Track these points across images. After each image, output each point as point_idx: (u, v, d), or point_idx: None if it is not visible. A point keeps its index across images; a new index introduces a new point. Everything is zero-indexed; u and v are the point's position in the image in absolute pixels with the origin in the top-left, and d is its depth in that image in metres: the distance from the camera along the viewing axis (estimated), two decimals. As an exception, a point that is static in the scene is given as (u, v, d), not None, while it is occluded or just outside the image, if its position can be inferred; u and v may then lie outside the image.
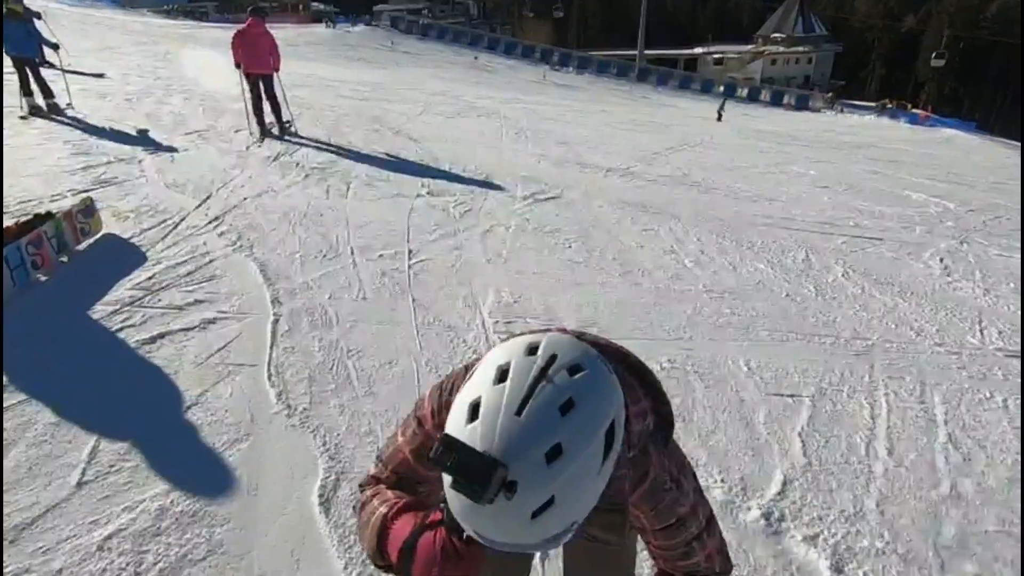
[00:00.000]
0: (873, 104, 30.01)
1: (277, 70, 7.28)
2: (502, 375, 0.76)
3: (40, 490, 2.25)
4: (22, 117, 7.13)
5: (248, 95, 7.34)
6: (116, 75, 10.96)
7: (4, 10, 6.92)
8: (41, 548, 2.03)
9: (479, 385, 0.77)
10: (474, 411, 0.74)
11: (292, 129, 7.58)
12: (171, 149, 6.48)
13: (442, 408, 0.99)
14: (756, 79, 39.78)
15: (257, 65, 7.11)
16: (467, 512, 0.73)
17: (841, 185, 7.86)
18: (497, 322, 3.63)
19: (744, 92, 28.44)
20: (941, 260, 5.09)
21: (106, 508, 2.20)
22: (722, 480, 2.50)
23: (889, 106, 27.18)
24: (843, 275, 4.62)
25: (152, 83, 10.43)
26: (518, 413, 0.71)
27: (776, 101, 27.49)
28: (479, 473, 0.68)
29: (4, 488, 2.26)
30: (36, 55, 7.28)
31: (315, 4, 45.10)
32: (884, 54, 51.48)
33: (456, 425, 0.75)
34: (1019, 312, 4.15)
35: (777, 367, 3.33)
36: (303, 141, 7.29)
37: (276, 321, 3.44)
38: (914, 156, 12.90)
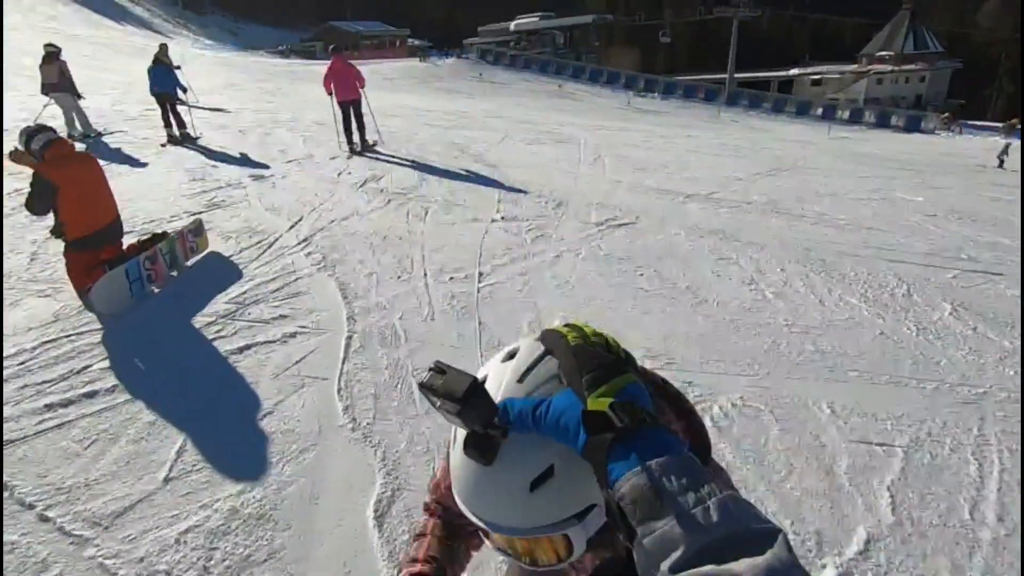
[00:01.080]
0: (999, 124, 27.08)
1: (360, 95, 8.42)
2: (510, 355, 0.78)
3: (133, 482, 2.49)
4: (162, 145, 8.31)
5: (339, 118, 8.47)
6: (233, 109, 12.21)
7: (154, 59, 8.71)
8: (129, 536, 2.24)
9: (489, 365, 0.79)
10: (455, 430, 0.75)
11: (376, 147, 8.63)
12: (273, 176, 7.08)
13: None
14: (860, 100, 37.29)
15: (343, 93, 8.31)
16: (468, 483, 0.73)
17: (955, 213, 7.12)
18: (561, 348, 3.59)
19: (845, 114, 26.72)
20: (1077, 300, 4.45)
21: (186, 504, 2.39)
22: (793, 531, 2.30)
23: (1019, 127, 24.42)
24: (951, 313, 4.16)
25: (263, 116, 11.50)
26: (520, 381, 0.72)
27: (882, 123, 25.57)
28: (466, 392, 0.65)
29: (107, 477, 2.52)
30: (174, 94, 8.67)
31: (411, 40, 48.01)
32: (1012, 70, 46.52)
33: (449, 444, 0.78)
34: None
35: (866, 412, 3.03)
36: (388, 168, 7.72)
37: (350, 338, 3.62)
38: (1049, 181, 11.45)
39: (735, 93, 29.11)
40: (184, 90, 8.91)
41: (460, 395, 0.65)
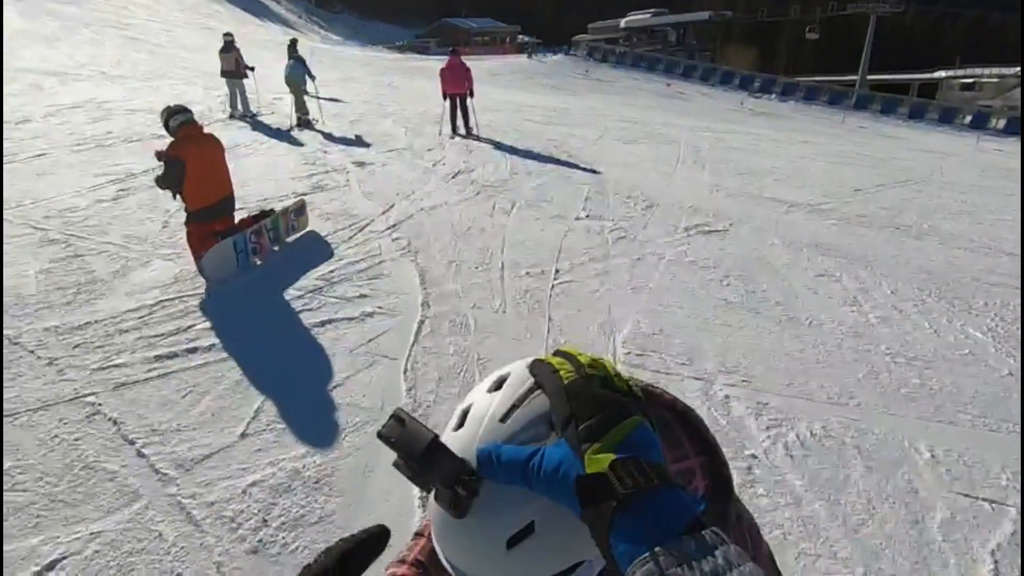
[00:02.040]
0: None
1: (471, 93, 9.64)
2: (498, 384, 0.71)
3: (216, 434, 2.74)
4: (290, 128, 9.34)
5: (448, 108, 9.76)
6: (348, 100, 13.04)
7: (289, 54, 10.24)
8: (205, 481, 2.47)
9: (475, 392, 0.73)
10: (462, 418, 0.67)
11: (476, 134, 9.60)
12: (373, 163, 7.48)
13: None
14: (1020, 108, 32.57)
15: (452, 87, 9.57)
16: (441, 528, 0.70)
17: None
18: (629, 353, 3.48)
19: (1000, 123, 23.45)
20: None
21: (256, 459, 2.60)
22: (864, 583, 2.06)
23: None
24: (1106, 360, 3.52)
25: (374, 107, 12.18)
26: (503, 420, 0.63)
27: (1048, 135, 22.13)
28: (423, 453, 0.58)
29: (195, 426, 2.80)
30: (304, 85, 9.89)
31: (521, 36, 48.58)
32: None
33: (444, 433, 0.73)
34: None
35: (974, 461, 2.65)
36: (481, 161, 7.87)
37: (422, 322, 3.74)
38: None
39: (865, 96, 26.51)
40: (312, 78, 10.15)
41: (417, 455, 0.59)
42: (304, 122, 9.52)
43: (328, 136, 8.97)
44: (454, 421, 0.66)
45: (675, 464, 0.80)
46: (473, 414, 0.65)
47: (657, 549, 0.44)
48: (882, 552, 2.21)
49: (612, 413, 0.53)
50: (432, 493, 0.66)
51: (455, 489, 0.59)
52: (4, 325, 3.46)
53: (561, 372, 0.59)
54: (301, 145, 8.29)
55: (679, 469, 0.81)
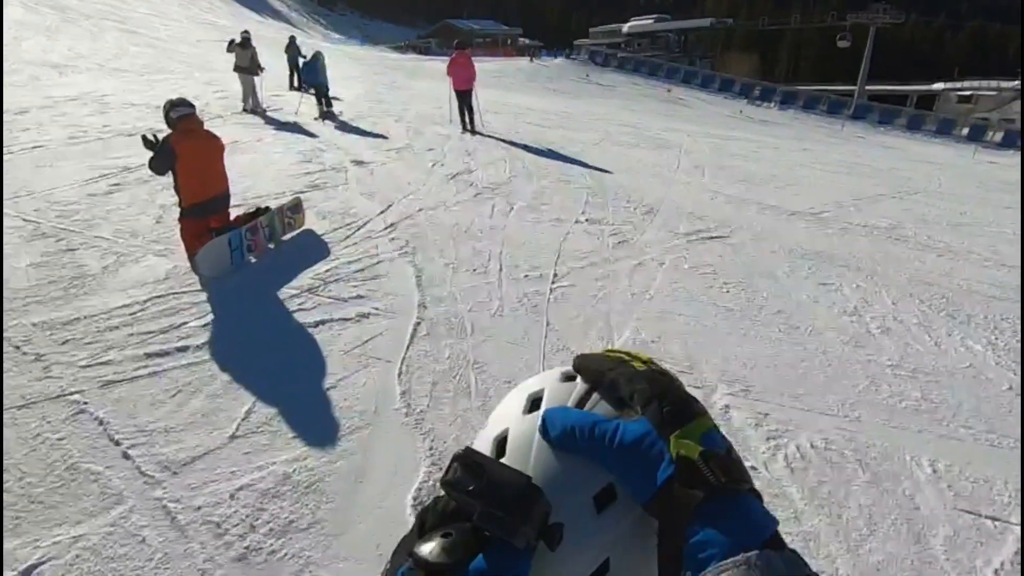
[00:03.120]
0: None
1: (472, 87, 9.89)
2: (534, 404, 0.63)
3: (205, 435, 2.68)
4: (315, 119, 10.07)
5: (455, 103, 10.05)
6: (349, 99, 12.97)
7: (313, 55, 11.13)
8: (192, 484, 2.41)
9: (505, 417, 0.61)
10: (500, 446, 0.58)
11: (481, 130, 9.87)
12: (372, 163, 7.42)
13: None
14: (1018, 121, 32.77)
15: (460, 83, 9.77)
16: None
17: None
18: (628, 360, 3.43)
19: (998, 136, 23.55)
20: None
21: (245, 463, 2.53)
22: (866, 602, 2.02)
23: None
24: (1107, 376, 3.49)
25: (375, 106, 12.12)
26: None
27: (1045, 148, 22.23)
28: (517, 499, 0.49)
29: (184, 427, 2.73)
30: (325, 83, 10.67)
31: (523, 40, 48.62)
32: None
33: None
34: None
35: (977, 477, 2.61)
36: (481, 163, 7.82)
37: (418, 324, 3.68)
38: None
39: (863, 106, 26.61)
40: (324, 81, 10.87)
41: (513, 504, 0.49)
42: (328, 115, 10.27)
43: (327, 135, 8.91)
44: (488, 451, 0.57)
45: None
46: (514, 441, 0.57)
47: (751, 558, 0.40)
48: (882, 570, 2.17)
49: (691, 405, 0.50)
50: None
51: (544, 538, 0.50)
52: (-9, 319, 3.40)
53: (634, 363, 0.54)
54: (300, 143, 8.23)
55: None
